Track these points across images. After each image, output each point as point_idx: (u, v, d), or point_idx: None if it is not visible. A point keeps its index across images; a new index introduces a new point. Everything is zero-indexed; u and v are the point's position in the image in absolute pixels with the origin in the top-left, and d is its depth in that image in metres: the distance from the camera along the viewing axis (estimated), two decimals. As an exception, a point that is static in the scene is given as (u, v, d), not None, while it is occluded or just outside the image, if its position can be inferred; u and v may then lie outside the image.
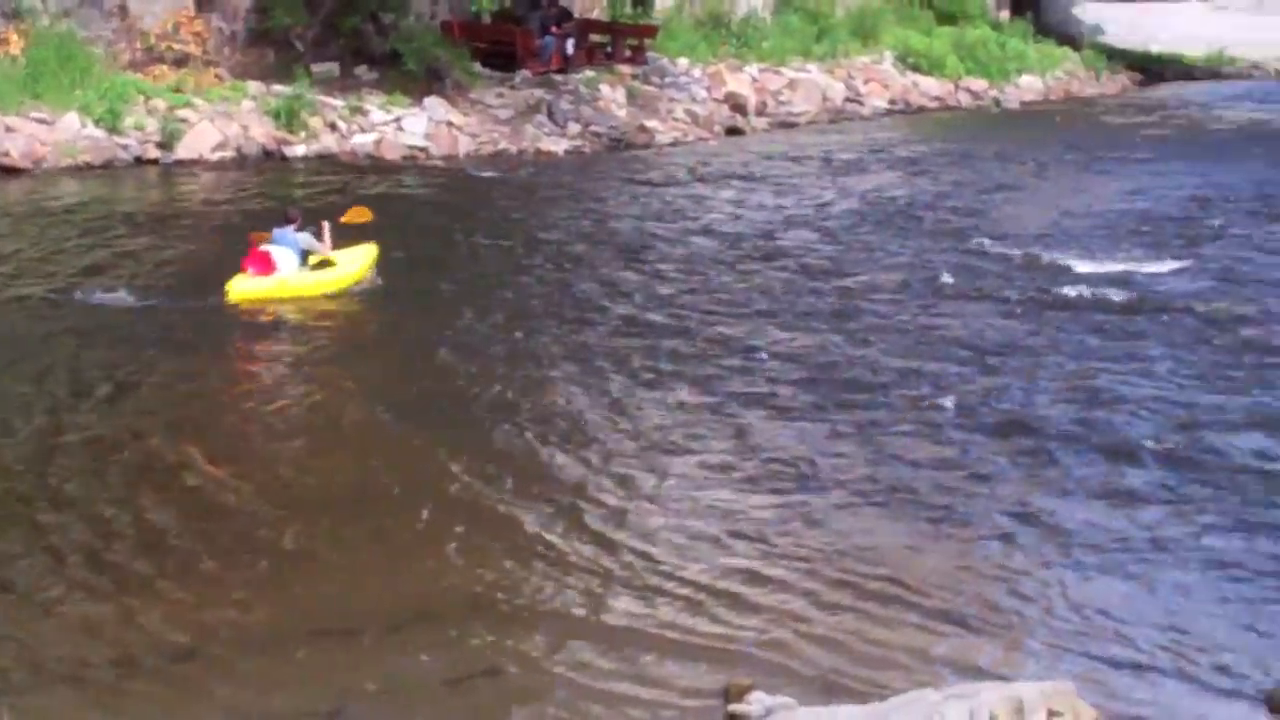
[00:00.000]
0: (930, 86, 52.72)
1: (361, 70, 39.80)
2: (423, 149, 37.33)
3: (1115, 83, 61.14)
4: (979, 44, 55.62)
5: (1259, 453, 17.52)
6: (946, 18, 57.44)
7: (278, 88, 37.48)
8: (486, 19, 43.86)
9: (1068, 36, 61.52)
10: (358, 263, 24.14)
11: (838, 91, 49.43)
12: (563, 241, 28.31)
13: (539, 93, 41.53)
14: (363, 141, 37.02)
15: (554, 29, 43.48)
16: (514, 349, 21.12)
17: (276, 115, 36.41)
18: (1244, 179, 37.43)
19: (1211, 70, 66.39)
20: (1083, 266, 26.45)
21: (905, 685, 11.41)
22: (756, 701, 11.08)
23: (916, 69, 53.28)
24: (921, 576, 14.20)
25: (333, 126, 37.11)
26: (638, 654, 12.52)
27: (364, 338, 22.45)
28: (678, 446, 17.49)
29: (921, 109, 51.36)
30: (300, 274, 23.41)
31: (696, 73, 46.31)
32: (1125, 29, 65.48)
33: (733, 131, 43.91)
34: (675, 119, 43.15)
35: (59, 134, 33.22)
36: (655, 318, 22.84)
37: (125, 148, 33.75)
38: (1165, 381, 20.10)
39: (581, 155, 39.21)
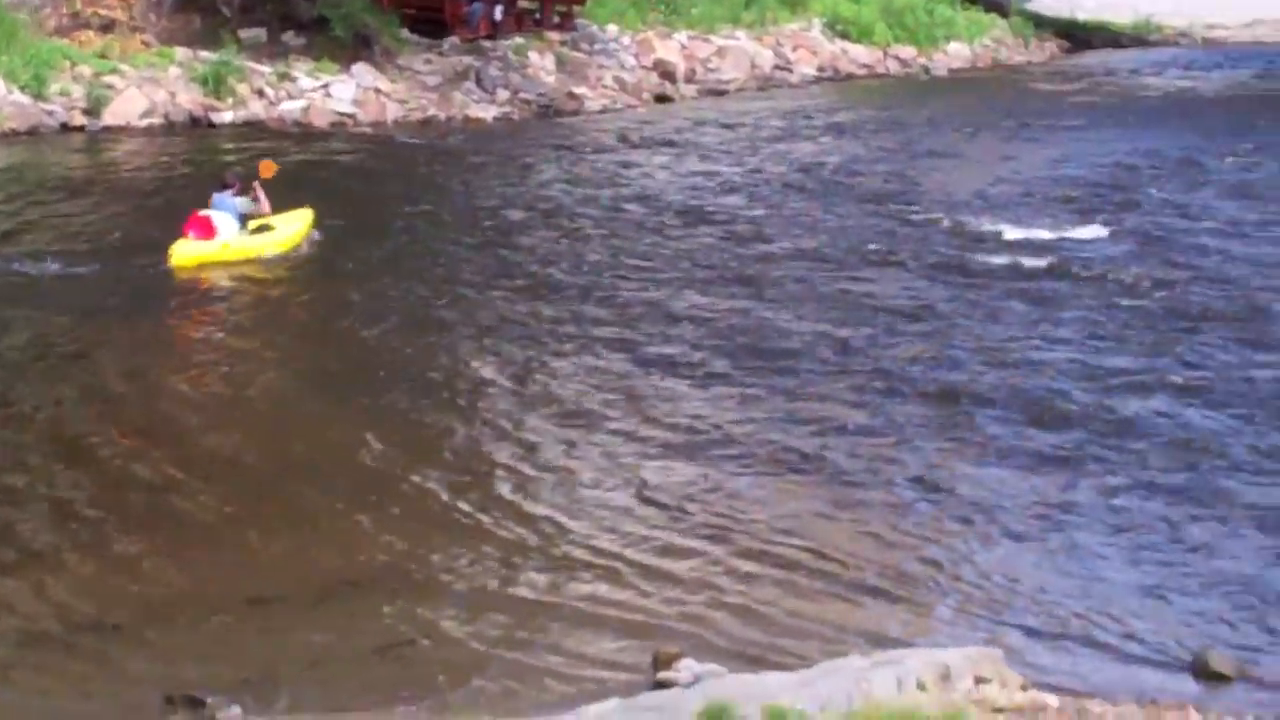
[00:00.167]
0: (859, 54, 52.74)
1: (289, 36, 39.53)
2: (351, 116, 37.21)
3: (1043, 50, 61.29)
4: (907, 10, 55.58)
5: (1168, 416, 17.73)
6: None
7: (204, 54, 37.26)
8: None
9: (995, 3, 61.53)
10: (295, 226, 24.34)
11: (766, 59, 49.45)
12: (490, 208, 28.29)
13: (467, 59, 41.41)
14: (291, 108, 36.85)
15: (482, -6, 43.34)
16: (438, 317, 21.15)
17: (204, 81, 36.20)
18: (1170, 145, 37.64)
19: (1138, 38, 66.65)
20: (1008, 233, 26.64)
21: (822, 655, 11.50)
22: (685, 669, 11.16)
23: (845, 36, 53.27)
24: (838, 545, 14.29)
25: (260, 93, 36.94)
26: (559, 625, 12.57)
27: (287, 308, 22.39)
28: (595, 414, 17.54)
29: (850, 76, 51.40)
30: (240, 238, 23.50)
31: (625, 40, 46.24)
32: (1053, -5, 65.76)
33: (662, 99, 43.89)
34: (604, 86, 43.12)
35: (-17, 100, 32.99)
36: (579, 283, 22.92)
37: (51, 114, 33.51)
38: (1080, 346, 20.31)
39: (510, 122, 39.15)
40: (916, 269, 24.19)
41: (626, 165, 33.26)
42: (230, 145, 33.45)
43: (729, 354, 19.71)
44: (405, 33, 41.49)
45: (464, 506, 14.81)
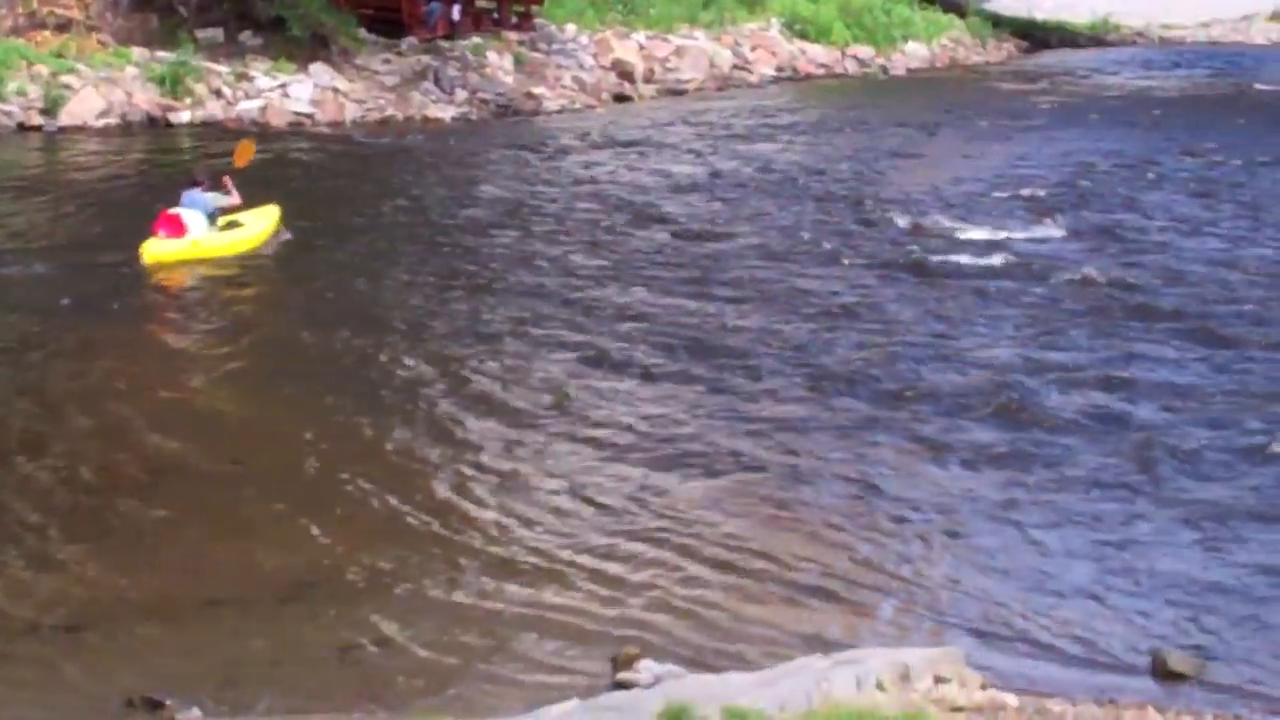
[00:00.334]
0: (817, 54, 52.90)
1: (246, 36, 39.44)
2: (309, 116, 37.15)
3: (1001, 50, 61.59)
4: (865, 10, 55.80)
5: (1118, 413, 17.78)
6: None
7: (162, 54, 37.19)
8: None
9: (953, 3, 61.77)
10: (264, 222, 24.50)
11: (725, 59, 49.53)
12: (448, 209, 28.28)
13: (426, 59, 41.40)
14: (248, 108, 36.79)
15: (440, -6, 43.32)
16: (392, 319, 21.08)
17: (161, 81, 36.12)
18: (1127, 144, 37.92)
19: (1096, 37, 67.00)
20: (963, 232, 26.77)
21: (778, 658, 11.51)
22: (645, 669, 11.17)
23: (804, 36, 53.41)
24: (789, 547, 14.25)
25: (218, 93, 36.86)
26: (516, 628, 12.53)
27: (241, 309, 22.24)
28: (545, 416, 17.47)
29: (809, 76, 51.53)
30: (211, 234, 23.58)
31: (584, 40, 46.27)
32: (1010, -5, 65.99)
33: (621, 99, 43.93)
34: (563, 86, 43.13)
35: (-62, 100, 32.89)
36: (533, 283, 22.93)
37: (8, 114, 33.45)
38: (1031, 343, 20.41)
39: (469, 122, 39.13)
40: (870, 268, 24.25)
41: (585, 165, 33.25)
42: (188, 145, 33.42)
43: (678, 354, 19.66)
44: (363, 33, 41.44)
45: (421, 510, 14.76)
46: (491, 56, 42.80)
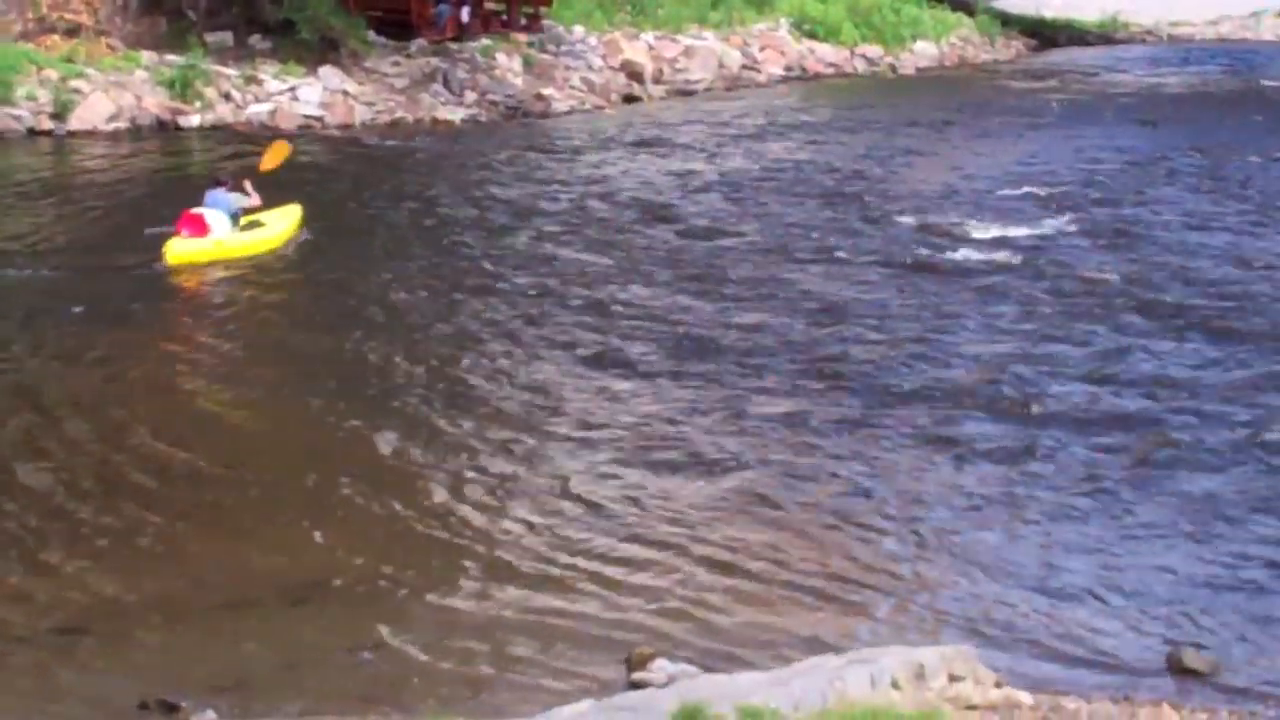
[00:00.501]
0: (826, 53, 52.81)
1: (255, 39, 39.44)
2: (318, 118, 37.13)
3: (1010, 48, 61.46)
4: (874, 10, 55.66)
5: (1127, 409, 17.85)
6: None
7: (171, 57, 37.16)
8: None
9: (962, 2, 61.65)
10: (286, 222, 24.71)
11: (734, 59, 49.47)
12: (457, 210, 28.30)
13: (435, 61, 41.35)
14: (258, 111, 36.75)
15: (449, -4, 43.32)
16: (403, 321, 21.16)
17: (170, 85, 36.10)
18: (1136, 142, 37.89)
19: (1105, 35, 66.90)
20: (971, 230, 26.78)
21: (790, 658, 11.49)
22: (659, 669, 11.16)
23: (812, 35, 53.33)
24: (798, 546, 14.27)
25: (227, 96, 36.83)
26: (529, 630, 12.54)
27: (257, 311, 22.20)
28: (552, 418, 17.52)
29: (818, 76, 51.45)
30: (233, 234, 23.75)
31: (593, 41, 46.20)
32: (1019, -6, 65.92)
33: (630, 99, 43.89)
34: (572, 87, 43.09)
35: (-51, 105, 32.92)
36: (544, 284, 22.97)
37: (18, 119, 33.42)
38: (1040, 340, 20.44)
39: (478, 124, 39.08)
40: (879, 266, 24.26)
41: (594, 166, 33.25)
42: (198, 149, 33.42)
43: (689, 354, 19.71)
44: (372, 35, 41.40)
45: (428, 513, 14.79)
46: (500, 58, 42.77)
